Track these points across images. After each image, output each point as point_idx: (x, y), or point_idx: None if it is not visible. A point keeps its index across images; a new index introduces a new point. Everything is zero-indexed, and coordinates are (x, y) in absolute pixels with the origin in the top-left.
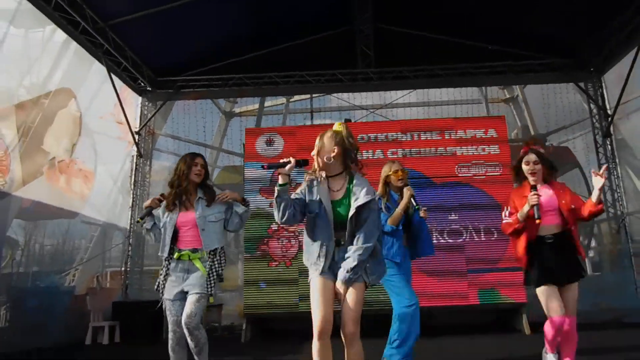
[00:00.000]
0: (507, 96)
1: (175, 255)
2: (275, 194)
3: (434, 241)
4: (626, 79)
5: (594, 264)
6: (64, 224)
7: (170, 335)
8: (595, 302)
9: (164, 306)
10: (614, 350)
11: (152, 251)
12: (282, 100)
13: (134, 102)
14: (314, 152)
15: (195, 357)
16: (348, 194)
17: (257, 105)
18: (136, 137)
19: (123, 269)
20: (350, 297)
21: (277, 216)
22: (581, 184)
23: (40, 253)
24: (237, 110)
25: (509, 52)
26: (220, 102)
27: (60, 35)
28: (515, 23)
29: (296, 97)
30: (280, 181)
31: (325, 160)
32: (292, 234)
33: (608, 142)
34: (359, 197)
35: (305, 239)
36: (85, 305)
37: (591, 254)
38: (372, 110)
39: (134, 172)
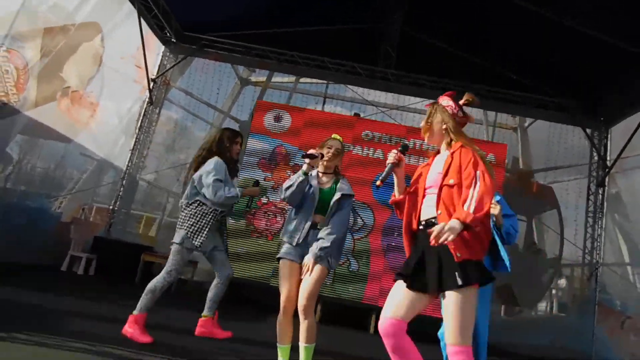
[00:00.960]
0: (517, 124)
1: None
2: (301, 179)
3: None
4: (632, 135)
5: (560, 305)
6: (60, 150)
7: (169, 279)
8: (554, 340)
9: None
10: None
11: (141, 197)
12: (290, 77)
13: (156, 49)
14: (324, 149)
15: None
16: (333, 188)
17: (274, 79)
18: (151, 84)
19: (111, 207)
20: (312, 275)
21: (288, 194)
22: (557, 226)
23: (31, 173)
24: (253, 79)
25: (525, 83)
26: (238, 68)
27: None
28: (536, 57)
29: (311, 79)
30: (306, 169)
31: (329, 157)
32: (280, 210)
33: (600, 192)
34: (345, 189)
35: (289, 214)
36: (69, 233)
37: (559, 293)
38: (382, 110)
39: (141, 117)
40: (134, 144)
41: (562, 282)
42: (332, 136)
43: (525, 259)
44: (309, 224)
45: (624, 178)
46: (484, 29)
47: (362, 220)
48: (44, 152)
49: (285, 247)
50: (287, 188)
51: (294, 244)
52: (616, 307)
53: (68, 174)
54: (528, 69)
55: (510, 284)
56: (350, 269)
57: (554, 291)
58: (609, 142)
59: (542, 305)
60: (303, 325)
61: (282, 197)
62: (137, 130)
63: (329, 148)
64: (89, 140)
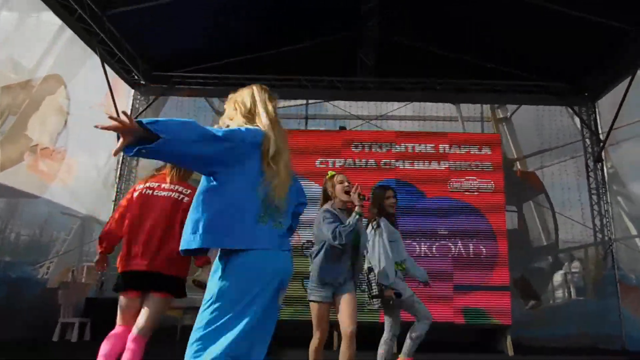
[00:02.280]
0: (501, 115)
1: None
2: (357, 218)
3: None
4: (619, 106)
5: (578, 288)
6: (43, 214)
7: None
8: (579, 327)
9: None
10: None
11: None
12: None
13: (125, 94)
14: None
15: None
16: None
17: None
18: None
19: None
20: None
21: (345, 237)
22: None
23: (15, 242)
24: None
25: (507, 72)
26: (214, 101)
27: (55, 21)
28: (515, 45)
29: (290, 102)
30: (359, 210)
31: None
32: None
33: (599, 167)
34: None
35: (321, 259)
36: (57, 299)
37: (575, 277)
38: (367, 120)
39: (119, 166)
40: (115, 195)
41: (576, 264)
42: (330, 173)
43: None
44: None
45: (617, 150)
46: (458, 23)
47: None
48: (26, 219)
49: (324, 290)
50: (346, 231)
51: (337, 284)
52: (632, 282)
53: (54, 237)
54: (506, 57)
55: (527, 277)
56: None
57: (568, 276)
58: (597, 116)
59: (559, 292)
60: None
61: (340, 242)
62: (117, 180)
63: (343, 183)
64: (68, 198)
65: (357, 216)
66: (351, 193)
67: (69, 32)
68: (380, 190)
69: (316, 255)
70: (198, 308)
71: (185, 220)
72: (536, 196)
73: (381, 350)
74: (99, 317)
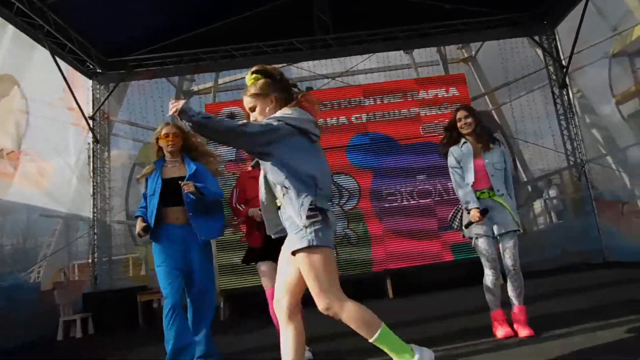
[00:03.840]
0: (466, 55)
1: None
2: None
3: (405, 203)
4: (577, 29)
5: (558, 213)
6: (23, 221)
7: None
8: (563, 248)
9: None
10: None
11: (119, 240)
12: (239, 75)
13: (84, 85)
14: None
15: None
16: None
17: (218, 81)
18: (90, 122)
19: (90, 260)
20: None
21: None
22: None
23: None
24: (195, 88)
25: (465, 9)
26: (176, 81)
27: None
28: None
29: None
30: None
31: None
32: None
33: (564, 93)
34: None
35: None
36: (53, 300)
37: (554, 202)
38: (333, 78)
39: (92, 159)
40: (93, 189)
41: (553, 191)
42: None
43: None
44: None
45: (582, 75)
46: None
47: (347, 190)
48: (6, 228)
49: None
50: None
51: None
52: (609, 198)
53: (38, 242)
54: None
55: None
56: (351, 242)
57: (548, 202)
58: (558, 43)
59: (541, 219)
60: None
61: None
62: (91, 174)
63: None
64: (47, 199)
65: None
66: None
67: (11, 29)
68: (453, 115)
69: None
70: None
71: None
72: (494, 133)
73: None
74: (99, 310)
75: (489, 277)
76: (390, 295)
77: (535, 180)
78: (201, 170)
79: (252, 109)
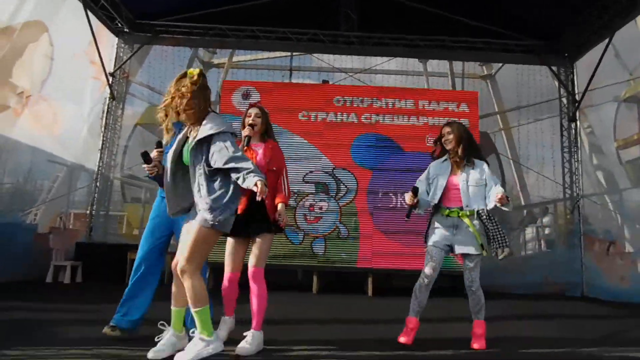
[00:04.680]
0: (485, 73)
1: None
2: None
3: (399, 206)
4: (595, 68)
5: (547, 241)
6: (26, 163)
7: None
8: (545, 276)
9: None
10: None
11: (118, 197)
12: (254, 55)
13: (109, 42)
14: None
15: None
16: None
17: (236, 58)
18: (110, 78)
19: (88, 211)
20: None
21: None
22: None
23: None
24: (215, 61)
25: (488, 29)
26: (199, 51)
27: None
28: (497, 2)
29: (276, 54)
30: None
31: None
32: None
33: (572, 127)
34: None
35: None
36: (48, 243)
37: (546, 231)
38: (350, 74)
39: (105, 115)
40: (102, 144)
41: (547, 219)
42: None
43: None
44: None
45: (594, 112)
46: None
47: (345, 185)
48: (9, 167)
49: None
50: None
51: None
52: (599, 235)
53: (39, 185)
54: (489, 15)
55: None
56: (341, 236)
57: (540, 230)
58: (575, 77)
59: (531, 244)
60: None
61: None
62: (102, 129)
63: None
64: (55, 145)
65: None
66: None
67: None
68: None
69: None
70: None
71: None
72: (488, 156)
73: None
74: (90, 260)
75: (421, 282)
76: (370, 293)
77: (532, 205)
78: None
79: None
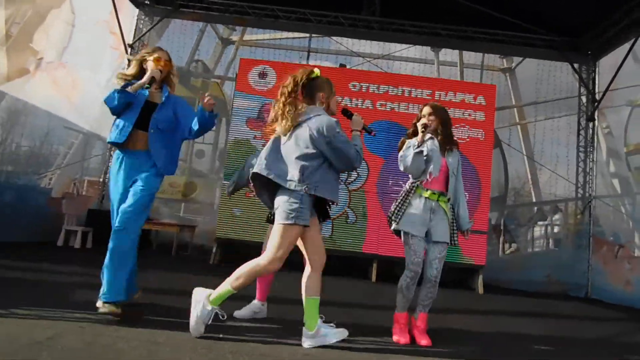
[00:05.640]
0: (505, 66)
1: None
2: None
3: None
4: (619, 67)
5: (555, 240)
6: (44, 127)
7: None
8: (550, 274)
9: None
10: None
11: None
12: (273, 34)
13: (130, 13)
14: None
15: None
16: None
17: (254, 36)
18: (129, 50)
19: (101, 179)
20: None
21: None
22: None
23: (15, 152)
24: (234, 37)
25: (512, 22)
26: (218, 27)
27: None
28: None
29: (294, 34)
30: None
31: None
32: None
33: (590, 126)
34: None
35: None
36: (61, 208)
37: (555, 229)
38: (369, 59)
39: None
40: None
41: (557, 218)
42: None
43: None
44: None
45: (613, 113)
46: None
47: (356, 172)
48: (27, 130)
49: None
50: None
51: None
52: (609, 238)
53: (54, 150)
54: (513, 7)
55: (502, 223)
56: (348, 221)
57: (549, 228)
58: (597, 76)
59: (539, 242)
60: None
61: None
62: None
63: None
64: (71, 113)
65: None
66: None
67: None
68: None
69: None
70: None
71: None
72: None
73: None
74: (101, 227)
75: (407, 279)
76: (373, 279)
77: (543, 203)
78: (181, 101)
79: None
